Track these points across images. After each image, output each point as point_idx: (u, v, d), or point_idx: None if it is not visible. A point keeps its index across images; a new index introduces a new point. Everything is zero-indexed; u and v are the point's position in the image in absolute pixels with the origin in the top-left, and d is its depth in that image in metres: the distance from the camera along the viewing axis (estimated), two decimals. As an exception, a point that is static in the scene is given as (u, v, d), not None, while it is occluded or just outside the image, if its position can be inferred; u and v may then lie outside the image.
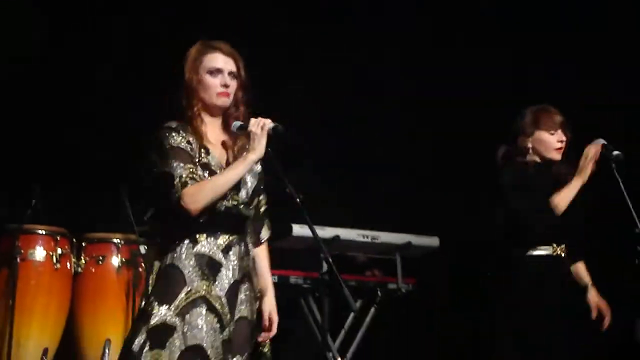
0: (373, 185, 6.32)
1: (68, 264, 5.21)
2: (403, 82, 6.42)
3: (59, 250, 5.17)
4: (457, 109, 6.41)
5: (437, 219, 6.05)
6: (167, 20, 6.07)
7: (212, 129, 3.32)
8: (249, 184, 3.34)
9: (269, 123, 3.24)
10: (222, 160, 3.31)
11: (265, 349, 3.40)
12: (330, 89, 6.24)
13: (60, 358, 5.18)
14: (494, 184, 4.36)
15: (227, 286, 3.28)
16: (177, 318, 3.21)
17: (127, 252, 5.26)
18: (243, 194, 3.31)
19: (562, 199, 4.15)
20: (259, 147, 3.24)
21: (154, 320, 3.21)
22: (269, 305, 3.43)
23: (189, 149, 3.23)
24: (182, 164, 3.19)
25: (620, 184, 4.05)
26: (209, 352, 3.21)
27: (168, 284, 3.24)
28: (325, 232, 5.14)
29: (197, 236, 3.26)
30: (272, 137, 3.26)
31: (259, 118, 3.24)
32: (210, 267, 3.27)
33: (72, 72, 5.98)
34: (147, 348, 3.21)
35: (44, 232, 5.19)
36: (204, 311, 3.22)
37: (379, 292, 5.62)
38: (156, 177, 3.27)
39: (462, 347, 6.08)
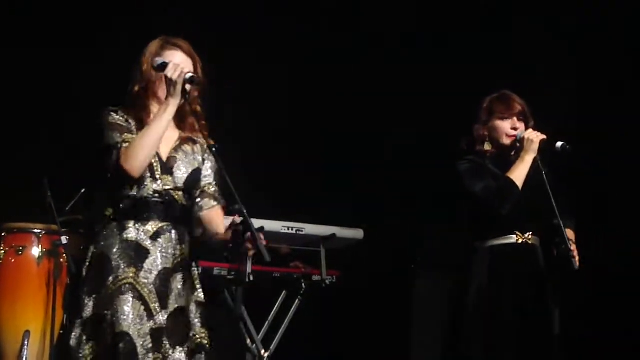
0: (299, 177, 6.34)
1: None
2: (328, 77, 6.42)
3: None
4: (380, 102, 6.44)
5: (362, 211, 6.08)
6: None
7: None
8: (183, 170, 3.33)
9: (186, 71, 3.25)
10: (160, 149, 3.32)
11: (205, 341, 3.36)
12: (256, 81, 6.24)
13: None
14: (452, 175, 4.30)
15: (155, 273, 3.27)
16: (106, 306, 3.19)
17: (48, 243, 5.13)
18: (177, 177, 3.30)
19: (515, 174, 4.13)
20: (177, 94, 3.25)
21: (86, 312, 3.20)
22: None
23: (125, 125, 3.26)
24: (118, 134, 3.22)
25: (544, 175, 4.06)
26: (135, 339, 3.17)
27: (97, 273, 3.23)
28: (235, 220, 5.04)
29: (125, 222, 3.25)
30: (188, 85, 3.28)
31: (178, 64, 3.26)
32: (137, 254, 3.25)
33: None
34: (84, 341, 3.20)
35: None
36: (130, 298, 3.20)
37: (303, 284, 5.62)
38: (98, 152, 3.27)
39: (385, 339, 6.15)
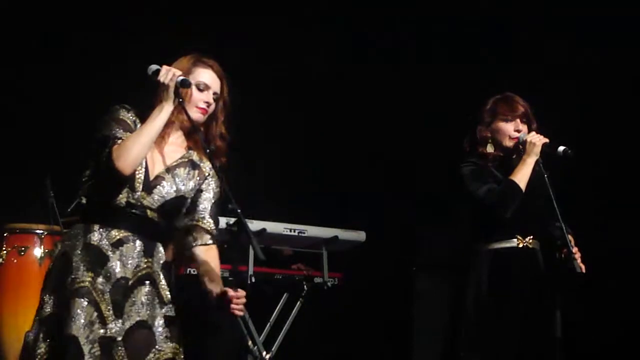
0: (301, 179, 6.36)
1: None
2: (330, 78, 6.44)
3: None
4: (383, 104, 6.44)
5: (364, 214, 6.08)
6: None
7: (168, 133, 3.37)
8: (164, 193, 3.31)
9: (178, 74, 3.25)
10: (152, 153, 3.30)
11: (175, 357, 3.31)
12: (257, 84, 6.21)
13: None
14: (454, 177, 4.30)
15: (112, 281, 3.22)
16: (62, 307, 3.16)
17: (50, 243, 5.14)
18: (154, 199, 3.27)
19: (517, 176, 4.12)
20: (169, 98, 3.25)
21: (45, 311, 3.19)
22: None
23: (131, 125, 3.25)
24: (121, 131, 3.20)
25: (546, 178, 4.06)
26: (82, 344, 3.12)
27: (58, 272, 3.22)
28: (253, 225, 5.06)
29: (92, 226, 3.22)
30: (179, 88, 3.27)
31: (170, 68, 3.28)
32: (97, 259, 3.21)
33: None
34: (40, 339, 3.18)
35: None
36: (84, 302, 3.15)
37: (305, 286, 5.62)
38: (95, 141, 3.25)
39: (386, 341, 6.21)
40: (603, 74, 5.74)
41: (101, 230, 3.22)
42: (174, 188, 3.29)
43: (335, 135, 6.57)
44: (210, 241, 3.35)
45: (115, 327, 3.16)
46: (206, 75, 3.39)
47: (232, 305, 3.23)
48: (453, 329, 4.36)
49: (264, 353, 5.44)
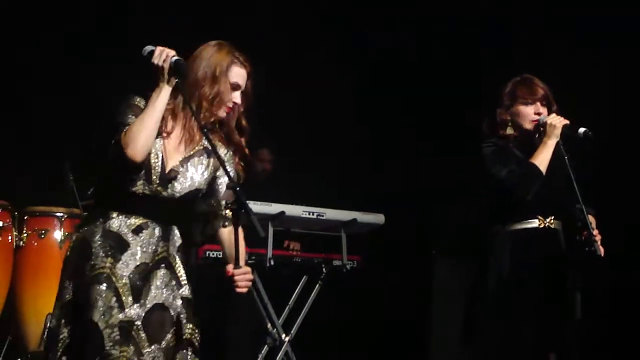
0: (320, 162, 6.38)
1: (9, 237, 5.16)
2: (347, 67, 6.50)
3: (0, 223, 5.10)
4: (401, 88, 6.50)
5: (383, 196, 6.11)
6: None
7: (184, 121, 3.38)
8: (181, 185, 3.32)
9: (172, 55, 3.23)
10: (167, 143, 3.29)
11: (193, 337, 3.36)
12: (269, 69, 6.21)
13: (1, 332, 5.20)
14: (475, 159, 4.27)
15: (132, 267, 3.25)
16: (82, 292, 3.19)
17: (70, 226, 5.20)
18: (173, 191, 3.29)
19: (538, 159, 4.12)
20: (164, 79, 3.23)
21: (66, 296, 3.22)
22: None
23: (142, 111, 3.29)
24: (132, 117, 3.22)
25: (566, 160, 4.05)
26: (102, 329, 3.17)
27: (78, 258, 3.23)
28: (271, 208, 5.20)
29: (110, 212, 3.25)
30: (173, 69, 3.25)
31: (164, 48, 3.25)
32: (117, 245, 3.24)
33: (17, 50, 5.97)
34: (62, 324, 3.20)
35: None
36: (104, 288, 3.18)
37: (323, 269, 5.67)
38: (109, 127, 3.25)
39: (404, 325, 6.26)
40: (602, 74, 5.75)
41: (120, 217, 3.25)
42: (189, 181, 3.32)
43: (353, 119, 6.61)
44: (227, 224, 3.37)
45: (134, 311, 3.19)
46: (240, 77, 3.38)
47: (236, 283, 3.27)
48: (473, 311, 4.30)
49: (283, 335, 5.56)
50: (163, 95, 3.22)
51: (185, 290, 3.32)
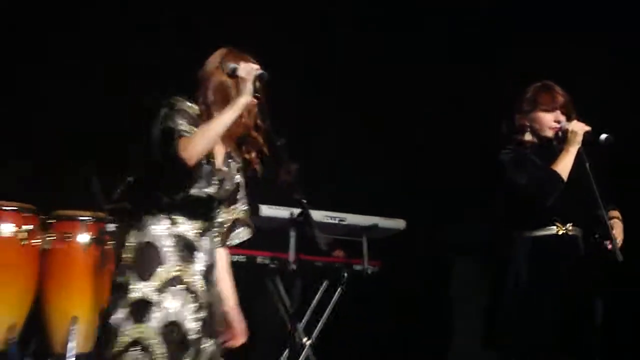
0: (342, 168, 6.38)
1: (35, 240, 5.15)
2: (364, 71, 6.45)
3: (27, 227, 5.11)
4: (418, 97, 6.42)
5: (404, 202, 6.09)
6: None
7: None
8: (229, 184, 3.46)
9: (257, 68, 3.33)
10: (218, 148, 3.41)
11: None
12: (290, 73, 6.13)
13: (27, 334, 5.19)
14: (492, 164, 4.33)
15: (202, 268, 3.39)
16: (156, 294, 3.31)
17: (95, 230, 5.22)
18: (223, 189, 3.41)
19: (560, 166, 4.14)
20: (247, 91, 3.32)
21: (133, 295, 3.31)
22: (238, 315, 3.58)
23: (196, 118, 3.36)
24: (185, 123, 3.30)
25: (587, 166, 4.06)
26: (185, 329, 3.31)
27: (146, 260, 3.33)
28: (294, 212, 5.16)
29: (175, 217, 3.36)
30: (258, 83, 3.35)
31: (249, 63, 3.35)
32: (186, 249, 3.38)
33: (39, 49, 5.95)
34: (128, 322, 3.31)
35: (11, 208, 5.15)
36: (181, 290, 3.34)
37: (345, 274, 5.68)
38: (159, 132, 3.35)
39: (425, 329, 6.23)
40: (603, 74, 5.72)
41: (186, 222, 3.38)
42: (233, 179, 3.47)
43: (375, 125, 6.57)
44: (249, 234, 3.60)
45: (206, 310, 3.38)
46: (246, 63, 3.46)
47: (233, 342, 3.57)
48: (492, 316, 4.38)
49: (305, 339, 5.53)
50: (238, 108, 3.31)
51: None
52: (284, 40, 6.29)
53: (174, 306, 3.35)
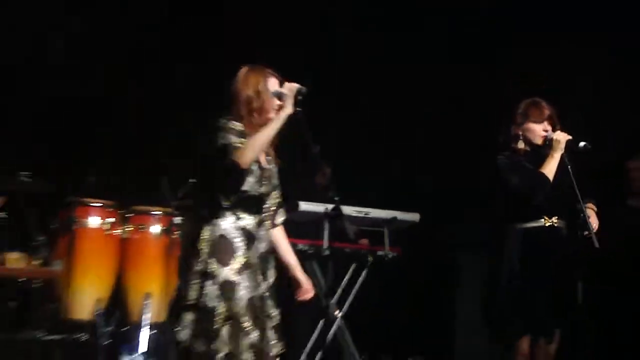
0: (368, 168, 6.47)
1: (117, 231, 5.47)
2: (394, 67, 6.42)
3: (109, 220, 5.45)
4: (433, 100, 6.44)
5: (419, 198, 6.19)
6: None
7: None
8: (274, 182, 3.69)
9: (296, 86, 3.51)
10: (263, 154, 3.64)
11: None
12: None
13: (110, 306, 5.48)
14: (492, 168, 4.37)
15: (260, 254, 3.62)
16: (236, 277, 3.53)
17: (164, 222, 5.51)
18: (270, 186, 3.66)
19: (547, 169, 4.23)
20: (289, 105, 3.50)
21: (220, 278, 3.53)
22: (303, 274, 3.83)
23: (240, 133, 3.54)
24: (235, 138, 3.51)
25: (569, 168, 4.20)
26: (261, 303, 3.59)
27: (222, 250, 3.55)
28: (328, 208, 5.32)
29: (239, 213, 3.58)
30: (298, 97, 3.52)
31: (291, 82, 3.53)
32: (249, 239, 3.60)
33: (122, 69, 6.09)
34: (220, 301, 3.53)
35: (97, 205, 5.47)
36: (251, 271, 3.57)
37: (369, 258, 5.80)
38: (218, 148, 3.53)
39: (436, 304, 6.46)
40: (603, 74, 5.69)
41: (248, 216, 3.60)
42: (274, 179, 3.71)
43: (394, 130, 6.66)
44: (282, 219, 3.77)
45: (264, 286, 3.63)
46: (276, 85, 3.66)
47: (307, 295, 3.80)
48: (490, 296, 4.43)
49: (337, 312, 5.76)
50: (281, 121, 3.51)
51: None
52: (284, 41, 6.19)
53: (250, 285, 3.54)
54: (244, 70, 3.68)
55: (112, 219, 5.53)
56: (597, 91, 5.79)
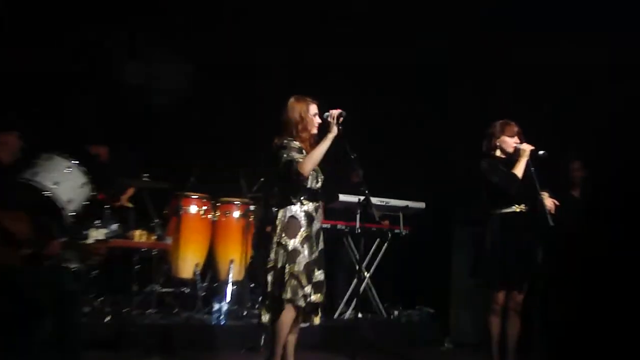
0: (387, 166, 6.96)
1: (209, 215, 6.39)
2: (403, 67, 6.81)
3: (204, 207, 6.35)
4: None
5: (424, 190, 6.88)
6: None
7: (308, 143, 4.30)
8: (321, 181, 4.29)
9: (338, 111, 4.09)
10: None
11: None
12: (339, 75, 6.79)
13: (205, 269, 6.38)
14: (477, 169, 4.75)
15: (316, 231, 4.29)
16: (299, 246, 4.17)
17: (242, 209, 6.40)
18: (320, 184, 4.33)
19: (517, 170, 4.73)
20: (334, 129, 4.10)
21: (290, 247, 4.15)
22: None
23: (299, 150, 4.14)
24: (297, 154, 4.13)
25: (532, 170, 4.70)
26: (314, 266, 4.23)
27: (292, 227, 4.21)
28: (360, 198, 5.82)
29: (303, 201, 4.24)
30: (339, 121, 4.09)
31: (334, 110, 4.08)
32: (309, 219, 4.25)
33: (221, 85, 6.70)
34: (288, 264, 4.13)
35: (195, 196, 6.38)
36: (308, 243, 4.22)
37: (389, 235, 6.70)
38: (284, 162, 4.13)
39: (437, 267, 6.82)
40: (602, 74, 5.77)
41: (309, 203, 4.23)
42: (320, 178, 4.34)
43: (410, 134, 7.16)
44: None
45: (316, 253, 4.24)
46: (315, 109, 4.25)
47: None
48: (476, 259, 4.90)
49: (366, 273, 6.61)
50: (329, 141, 4.12)
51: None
52: (285, 40, 6.62)
53: (308, 253, 4.12)
54: (291, 100, 4.27)
55: (206, 207, 6.38)
56: (597, 91, 5.75)
